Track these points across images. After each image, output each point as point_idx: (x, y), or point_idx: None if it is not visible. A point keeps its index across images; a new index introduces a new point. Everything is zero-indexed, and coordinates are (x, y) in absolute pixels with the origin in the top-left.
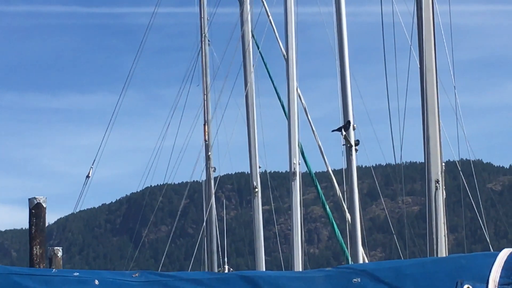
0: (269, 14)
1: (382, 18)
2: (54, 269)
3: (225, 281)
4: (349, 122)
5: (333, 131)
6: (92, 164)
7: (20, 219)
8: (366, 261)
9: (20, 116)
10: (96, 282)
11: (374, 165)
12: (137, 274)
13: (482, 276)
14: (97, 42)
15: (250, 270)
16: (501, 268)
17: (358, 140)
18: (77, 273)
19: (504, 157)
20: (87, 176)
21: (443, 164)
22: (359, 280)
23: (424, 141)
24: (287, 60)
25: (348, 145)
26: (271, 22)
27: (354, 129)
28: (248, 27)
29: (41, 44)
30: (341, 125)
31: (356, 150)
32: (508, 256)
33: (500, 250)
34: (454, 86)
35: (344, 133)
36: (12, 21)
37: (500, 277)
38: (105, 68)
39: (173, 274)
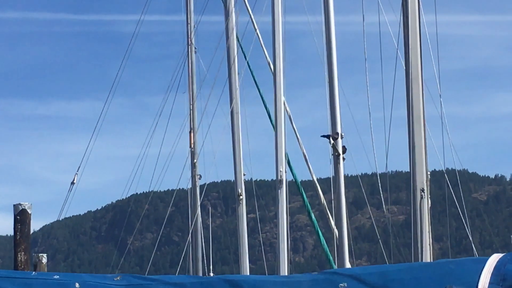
0: (255, 23)
1: (364, 28)
2: (34, 272)
3: (209, 285)
4: (337, 133)
5: (322, 136)
6: (77, 170)
7: (5, 226)
8: None
9: (5, 123)
10: (77, 285)
11: (360, 174)
12: (119, 278)
13: (471, 281)
14: (84, 49)
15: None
16: (490, 273)
17: (345, 147)
18: (58, 276)
19: (489, 167)
20: (72, 183)
21: (429, 173)
22: (346, 285)
23: (409, 150)
24: (274, 69)
25: (336, 153)
26: (257, 33)
27: (342, 137)
28: (233, 36)
29: (27, 50)
30: (329, 134)
31: (343, 158)
32: (497, 262)
33: (490, 256)
34: (440, 95)
35: (332, 141)
36: None
37: (489, 283)
38: (92, 75)
39: (156, 278)
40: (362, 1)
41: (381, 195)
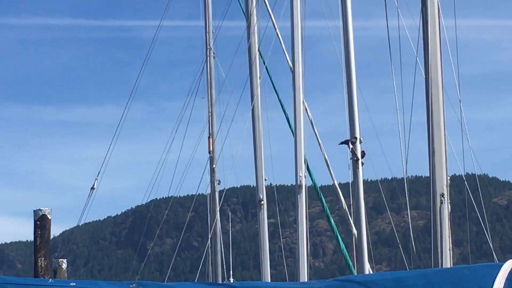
0: (276, 27)
1: (384, 33)
2: (50, 279)
3: None
4: (356, 137)
5: (340, 144)
6: (97, 176)
7: (25, 231)
8: None
9: (26, 128)
10: None
11: (380, 178)
12: (134, 285)
13: (486, 287)
14: (104, 55)
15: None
16: (505, 279)
17: (364, 152)
18: (74, 283)
19: (510, 172)
20: (92, 188)
21: (448, 178)
22: None
23: (429, 155)
24: (293, 73)
25: (355, 158)
26: (278, 36)
27: (360, 142)
28: (255, 40)
29: (48, 56)
30: (347, 139)
31: (362, 163)
32: None
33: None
34: (460, 100)
35: (351, 146)
36: (19, 34)
37: None
38: (112, 81)
39: (171, 285)
40: (386, 6)
41: (401, 200)
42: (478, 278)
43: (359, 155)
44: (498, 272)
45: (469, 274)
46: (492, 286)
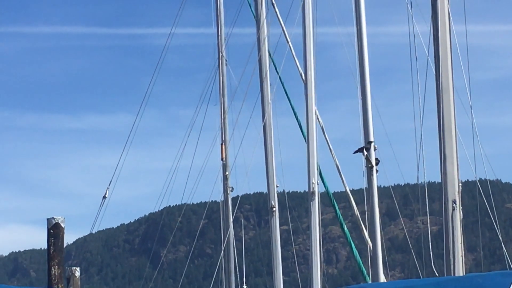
0: (287, 34)
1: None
2: None
3: None
4: (370, 143)
5: (354, 152)
6: (109, 185)
7: (39, 240)
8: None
9: (39, 137)
10: None
11: (393, 184)
12: None
13: None
14: (117, 62)
15: None
16: None
17: (378, 159)
18: None
19: None
20: (104, 197)
21: (460, 184)
22: None
23: (440, 161)
24: (305, 80)
25: (369, 165)
26: (289, 42)
27: (375, 149)
28: (265, 47)
29: (60, 64)
30: (361, 146)
31: (377, 170)
32: None
33: None
34: (471, 106)
35: (366, 153)
36: (31, 42)
37: None
38: (124, 88)
39: None
40: (407, 12)
41: (414, 206)
42: (491, 286)
43: (373, 162)
44: None
45: (482, 283)
46: None
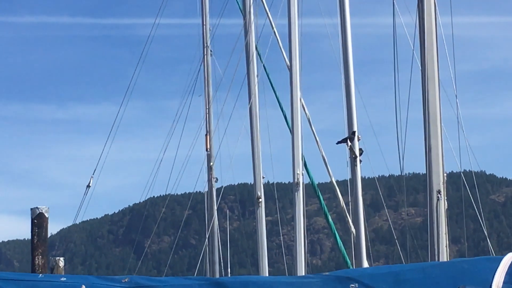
0: (273, 25)
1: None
2: (41, 275)
3: (218, 286)
4: (354, 133)
5: (338, 143)
6: (93, 174)
7: (22, 230)
8: None
9: (23, 127)
10: (83, 287)
11: (377, 176)
12: (126, 280)
13: (485, 281)
14: (102, 53)
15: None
16: (504, 273)
17: (362, 149)
18: (64, 278)
19: (507, 169)
20: (88, 186)
21: (445, 174)
22: (357, 286)
23: (425, 151)
24: (290, 71)
25: (353, 156)
26: (275, 33)
27: (359, 140)
28: (252, 38)
29: (45, 54)
30: (345, 136)
31: (360, 161)
32: None
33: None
34: (456, 96)
35: (349, 144)
36: (16, 32)
37: (504, 282)
38: (109, 79)
39: (164, 279)
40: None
41: (399, 197)
42: (477, 271)
43: (357, 153)
44: (498, 265)
45: (468, 268)
46: (492, 280)
